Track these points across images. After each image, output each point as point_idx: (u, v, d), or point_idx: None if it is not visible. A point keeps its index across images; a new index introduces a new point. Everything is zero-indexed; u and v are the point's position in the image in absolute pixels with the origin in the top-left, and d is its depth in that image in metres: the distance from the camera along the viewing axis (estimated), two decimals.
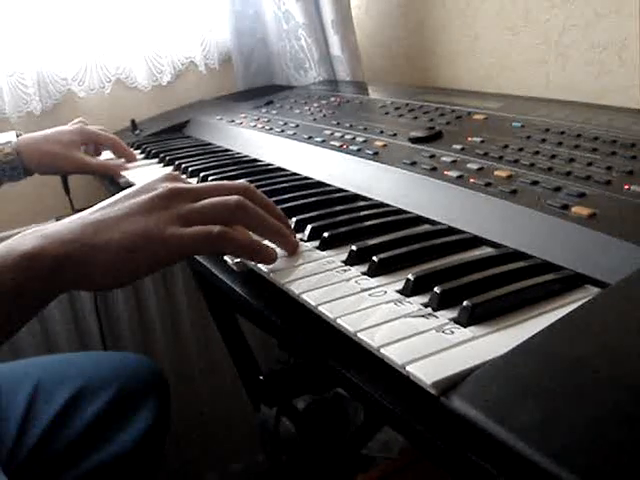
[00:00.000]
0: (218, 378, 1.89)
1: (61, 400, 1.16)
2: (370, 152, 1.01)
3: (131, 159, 1.42)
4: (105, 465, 1.10)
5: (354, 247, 0.72)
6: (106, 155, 1.46)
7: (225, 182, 0.78)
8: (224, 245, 0.71)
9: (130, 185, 0.88)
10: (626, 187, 0.72)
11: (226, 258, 0.78)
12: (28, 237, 0.66)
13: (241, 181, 0.79)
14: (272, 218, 0.76)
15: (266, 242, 0.76)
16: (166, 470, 1.21)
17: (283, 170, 1.11)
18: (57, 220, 1.51)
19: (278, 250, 0.76)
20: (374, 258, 0.69)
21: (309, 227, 0.81)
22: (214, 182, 0.78)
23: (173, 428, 1.28)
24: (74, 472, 1.09)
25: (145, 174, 1.27)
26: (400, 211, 0.85)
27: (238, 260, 0.76)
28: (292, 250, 0.76)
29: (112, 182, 1.37)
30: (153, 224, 0.68)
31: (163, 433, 1.22)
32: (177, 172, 1.22)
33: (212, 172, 1.12)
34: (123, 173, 1.31)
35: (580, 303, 0.56)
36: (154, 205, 0.70)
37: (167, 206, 0.70)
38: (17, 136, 1.36)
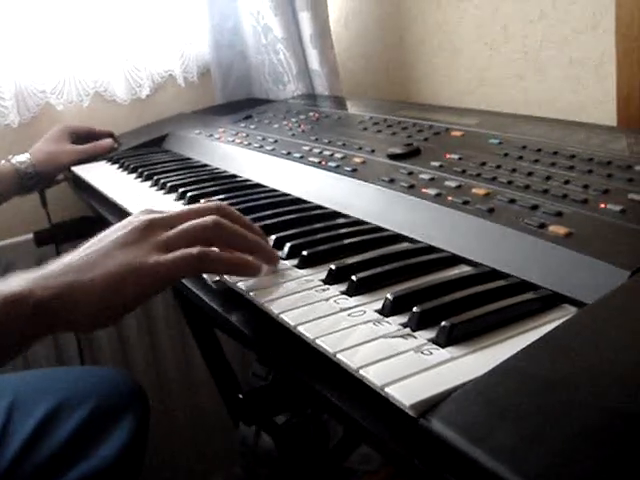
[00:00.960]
0: (196, 392, 1.88)
1: (39, 415, 1.15)
2: (349, 169, 1.01)
3: (108, 136, 1.60)
4: None
5: (333, 266, 0.72)
6: None
7: (198, 205, 0.80)
8: (206, 265, 0.73)
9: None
10: (602, 206, 0.72)
11: (205, 276, 0.78)
12: (13, 280, 0.67)
13: (214, 201, 0.80)
14: (250, 233, 0.76)
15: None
16: None
17: (262, 186, 1.11)
18: (34, 234, 1.53)
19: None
20: (353, 277, 0.69)
21: (288, 245, 0.80)
22: (187, 207, 0.80)
23: (151, 442, 1.27)
24: None
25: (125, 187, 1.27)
26: (379, 229, 0.85)
27: (217, 278, 0.76)
28: (274, 262, 0.77)
29: (90, 194, 1.36)
30: (134, 256, 0.69)
31: (142, 448, 1.21)
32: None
33: (191, 188, 1.12)
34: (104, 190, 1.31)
35: (558, 323, 0.57)
36: (133, 238, 0.71)
37: (145, 237, 0.72)
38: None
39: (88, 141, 1.57)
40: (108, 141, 1.59)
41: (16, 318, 0.64)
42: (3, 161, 1.46)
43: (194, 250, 0.71)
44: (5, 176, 1.43)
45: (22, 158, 1.46)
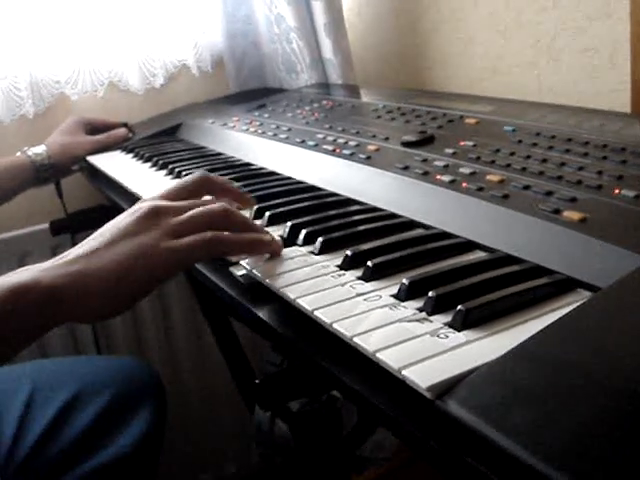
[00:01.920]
0: (211, 380, 1.89)
1: (57, 404, 1.16)
2: (363, 156, 1.01)
3: (122, 126, 1.62)
4: (102, 469, 1.10)
5: (349, 252, 0.73)
6: None
7: (183, 179, 0.82)
8: (221, 247, 0.73)
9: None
10: (616, 192, 0.72)
11: (232, 269, 0.78)
12: (23, 271, 0.67)
13: (197, 173, 0.82)
14: (255, 224, 0.78)
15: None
16: (160, 471, 1.21)
17: (276, 174, 1.11)
18: (50, 223, 1.55)
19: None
20: (369, 263, 0.69)
21: (303, 232, 0.81)
22: (174, 183, 0.81)
23: (167, 430, 1.28)
24: (71, 476, 1.09)
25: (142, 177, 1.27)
26: (393, 215, 0.85)
27: (244, 272, 0.76)
28: (279, 251, 0.78)
29: (105, 183, 1.37)
30: (144, 242, 0.70)
31: (160, 437, 1.22)
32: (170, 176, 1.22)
33: None
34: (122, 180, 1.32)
35: (572, 307, 0.57)
36: (142, 225, 0.72)
37: (155, 223, 0.72)
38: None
39: (102, 132, 1.59)
40: (122, 130, 1.60)
41: (27, 307, 0.64)
42: (19, 153, 1.47)
43: (206, 234, 0.71)
44: (21, 168, 1.44)
45: (38, 150, 1.47)
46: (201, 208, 0.74)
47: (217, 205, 0.75)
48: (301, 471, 1.31)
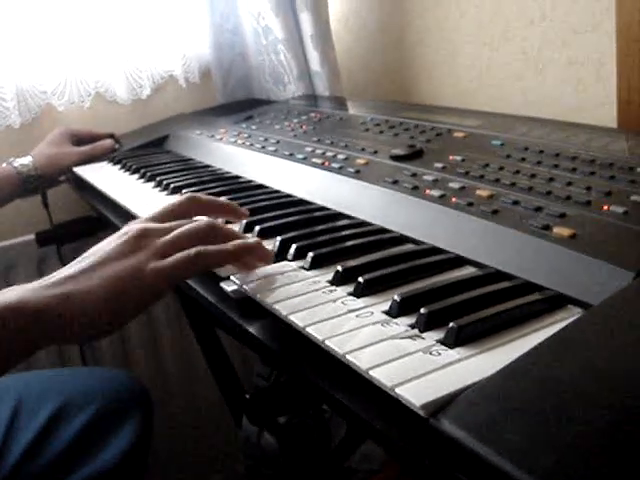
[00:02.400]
0: (198, 392, 1.88)
1: (44, 416, 1.15)
2: (352, 170, 1.02)
3: (108, 137, 1.62)
4: None
5: (339, 267, 0.73)
6: None
7: (172, 201, 0.82)
8: (207, 260, 0.73)
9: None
10: (605, 208, 0.73)
11: (223, 285, 0.78)
12: (11, 291, 0.66)
13: (185, 194, 0.82)
14: (243, 235, 0.79)
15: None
16: None
17: (265, 187, 1.12)
18: (36, 235, 1.54)
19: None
20: (360, 279, 0.70)
21: (294, 247, 0.81)
22: (163, 206, 0.81)
23: (152, 442, 1.28)
24: None
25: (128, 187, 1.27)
26: (383, 230, 0.85)
27: (235, 287, 0.76)
28: (270, 260, 0.78)
29: (92, 194, 1.37)
30: (132, 264, 0.70)
31: (146, 449, 1.22)
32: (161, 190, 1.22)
33: (194, 189, 1.12)
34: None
35: (564, 324, 0.57)
36: (129, 247, 0.72)
37: (142, 245, 0.72)
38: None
39: (89, 143, 1.58)
40: (109, 142, 1.60)
41: (14, 328, 0.63)
42: (5, 164, 1.46)
43: (191, 250, 0.72)
44: (7, 179, 1.44)
45: (24, 161, 1.47)
46: (187, 226, 0.75)
47: (202, 221, 0.76)
48: None
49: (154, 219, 0.78)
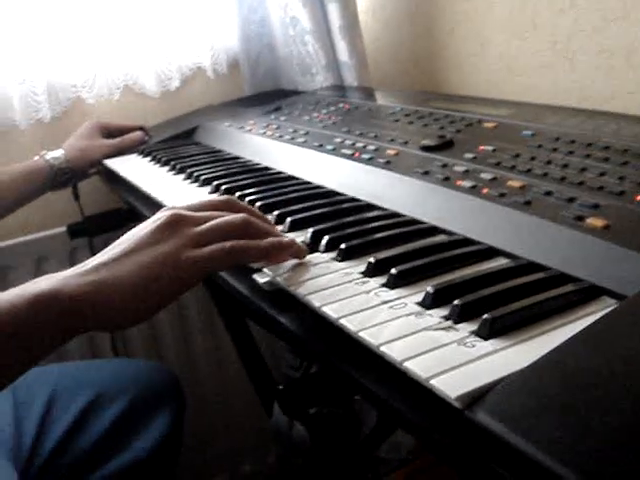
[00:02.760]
0: (229, 382, 1.90)
1: (78, 407, 1.17)
2: (382, 161, 1.02)
3: (137, 129, 1.63)
4: (122, 471, 1.11)
5: (372, 259, 0.73)
6: None
7: (208, 198, 0.81)
8: (242, 255, 0.73)
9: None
10: (639, 198, 0.73)
11: (255, 277, 0.78)
12: (44, 279, 0.67)
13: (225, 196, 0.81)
14: (277, 231, 0.78)
15: None
16: (177, 472, 1.23)
17: (295, 179, 1.12)
18: (68, 227, 1.55)
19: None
20: (393, 270, 0.70)
21: (326, 238, 0.81)
22: (210, 202, 0.80)
23: (184, 432, 1.29)
24: (91, 479, 1.10)
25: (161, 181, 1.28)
26: (415, 221, 0.85)
27: (268, 279, 0.77)
28: (303, 255, 0.78)
29: (123, 187, 1.38)
30: (166, 252, 0.70)
31: (179, 439, 1.23)
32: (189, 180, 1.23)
33: (224, 181, 1.13)
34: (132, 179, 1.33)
35: (598, 315, 0.57)
36: (163, 235, 0.71)
37: (175, 232, 0.72)
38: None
39: (118, 136, 1.59)
40: (138, 134, 1.61)
41: (47, 317, 0.63)
42: (36, 157, 1.48)
43: (226, 243, 0.71)
44: (39, 172, 1.45)
45: (56, 154, 1.48)
46: (222, 219, 0.75)
47: (238, 216, 0.75)
48: (319, 473, 1.31)
49: (189, 209, 0.78)
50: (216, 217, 0.75)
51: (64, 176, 1.48)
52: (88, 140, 1.54)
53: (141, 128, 1.64)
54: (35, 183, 1.45)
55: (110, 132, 1.60)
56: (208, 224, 0.74)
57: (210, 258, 0.70)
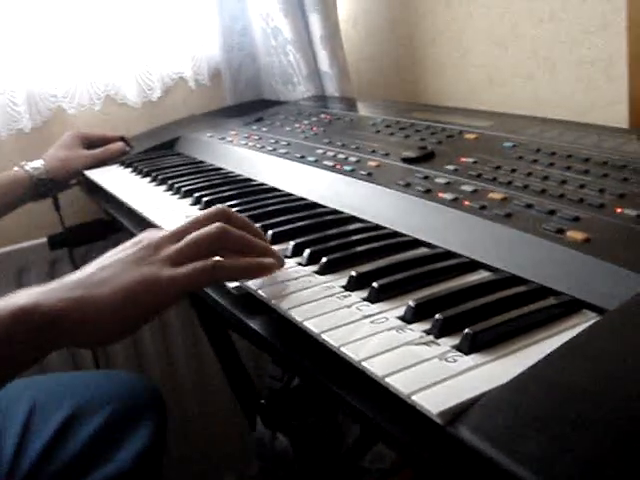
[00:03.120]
0: (210, 394, 1.89)
1: (58, 419, 1.16)
2: (364, 172, 1.02)
3: (118, 140, 1.62)
4: None
5: (354, 273, 0.73)
6: None
7: (201, 213, 0.79)
8: (221, 275, 0.74)
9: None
10: (619, 211, 0.73)
11: (230, 287, 0.79)
12: (24, 293, 0.67)
13: (215, 207, 0.80)
14: (254, 238, 0.78)
15: None
16: None
17: (277, 190, 1.11)
18: (48, 238, 1.54)
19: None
20: (374, 284, 0.70)
21: (307, 251, 0.81)
22: (190, 218, 0.79)
23: (167, 444, 1.28)
24: None
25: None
26: (396, 234, 0.85)
27: (236, 284, 0.77)
28: (281, 265, 0.78)
29: (104, 198, 1.37)
30: (146, 271, 0.70)
31: (161, 451, 1.23)
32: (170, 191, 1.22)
33: (206, 192, 1.13)
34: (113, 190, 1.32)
35: (579, 328, 0.58)
36: (143, 254, 0.72)
37: (155, 252, 0.73)
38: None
39: (100, 146, 1.58)
40: (120, 144, 1.60)
41: (24, 332, 0.64)
42: (16, 168, 1.47)
43: (207, 262, 0.72)
44: (19, 183, 1.44)
45: (36, 165, 1.47)
46: (199, 232, 0.74)
47: (212, 226, 0.75)
48: None
49: (174, 235, 0.77)
50: (194, 229, 0.75)
51: (44, 187, 1.47)
52: (68, 150, 1.53)
53: (122, 138, 1.63)
54: (15, 193, 1.45)
55: (91, 142, 1.59)
56: (185, 240, 0.74)
57: (190, 277, 0.71)
